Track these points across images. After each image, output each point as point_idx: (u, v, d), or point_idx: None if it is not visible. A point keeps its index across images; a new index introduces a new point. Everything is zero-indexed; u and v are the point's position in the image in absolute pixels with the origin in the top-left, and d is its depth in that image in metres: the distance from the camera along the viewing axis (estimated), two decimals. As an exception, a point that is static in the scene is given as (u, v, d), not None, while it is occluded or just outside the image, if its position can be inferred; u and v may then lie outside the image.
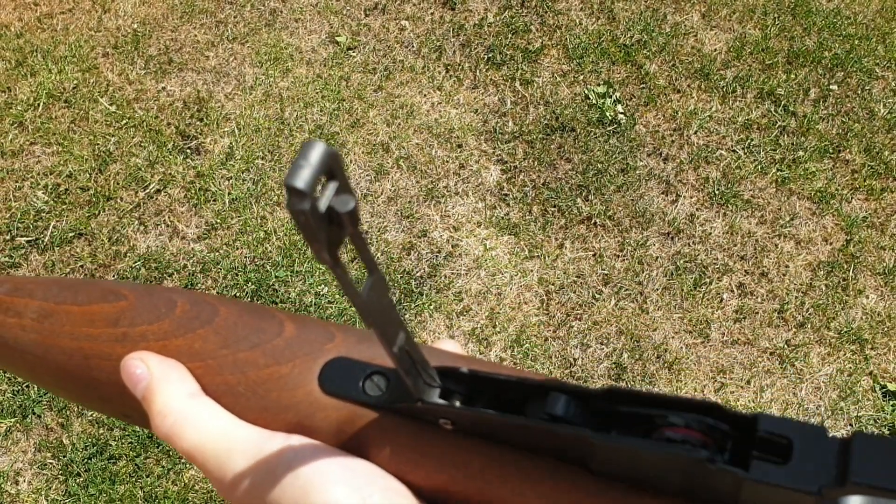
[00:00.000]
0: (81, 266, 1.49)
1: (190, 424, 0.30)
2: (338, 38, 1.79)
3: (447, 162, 1.63)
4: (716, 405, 0.26)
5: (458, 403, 0.29)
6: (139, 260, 1.49)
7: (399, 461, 0.29)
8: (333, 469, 0.28)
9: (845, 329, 1.50)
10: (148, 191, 1.57)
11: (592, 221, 1.58)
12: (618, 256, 1.55)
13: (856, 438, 0.23)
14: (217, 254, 1.50)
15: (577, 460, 0.27)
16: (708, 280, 1.53)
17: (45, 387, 0.37)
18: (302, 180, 0.19)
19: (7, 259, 1.50)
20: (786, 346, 1.47)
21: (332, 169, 0.20)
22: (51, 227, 1.52)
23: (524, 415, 0.28)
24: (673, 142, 1.69)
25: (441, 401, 0.28)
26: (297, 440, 0.29)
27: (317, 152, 0.19)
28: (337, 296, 1.47)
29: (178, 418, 0.30)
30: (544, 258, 1.53)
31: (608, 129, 1.69)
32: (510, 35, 1.81)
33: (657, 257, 1.54)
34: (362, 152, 1.63)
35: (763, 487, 0.24)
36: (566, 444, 0.27)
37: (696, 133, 1.71)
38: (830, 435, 0.24)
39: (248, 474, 0.28)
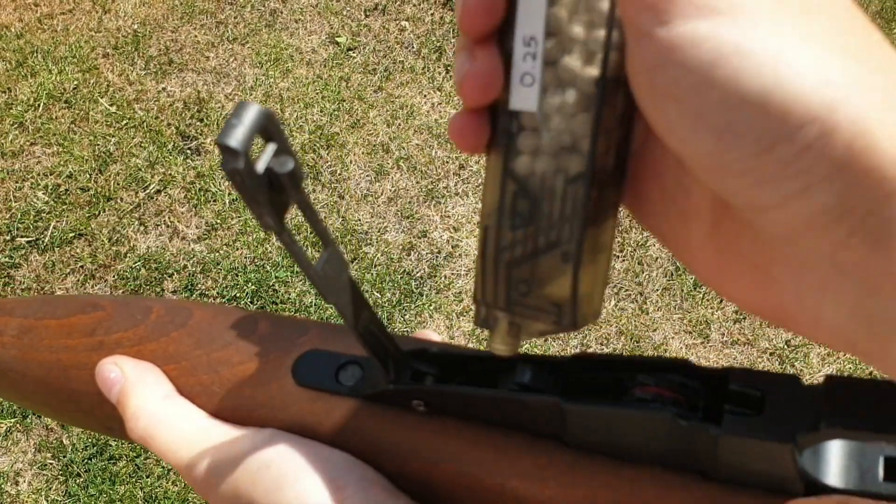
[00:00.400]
0: (81, 266, 1.49)
1: (164, 425, 0.30)
2: (338, 39, 1.79)
3: (447, 162, 1.63)
4: (685, 362, 0.25)
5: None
6: (139, 260, 1.49)
7: (374, 449, 0.29)
8: (307, 460, 0.28)
9: (845, 330, 1.50)
10: (148, 191, 1.57)
11: (592, 222, 1.58)
12: (617, 257, 1.55)
13: (827, 383, 0.23)
14: (217, 254, 1.50)
15: (553, 434, 0.27)
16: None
17: (32, 406, 0.37)
18: (234, 139, 0.19)
19: (7, 259, 1.50)
20: (785, 347, 1.47)
21: (269, 129, 0.20)
22: (51, 228, 1.52)
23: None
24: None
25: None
26: (269, 433, 0.29)
27: (250, 112, 0.19)
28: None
29: (151, 420, 0.30)
30: (544, 259, 1.53)
31: (608, 129, 1.70)
32: (510, 36, 1.81)
33: (657, 258, 1.54)
34: (362, 153, 1.63)
35: (738, 442, 0.23)
36: (539, 416, 0.27)
37: (695, 134, 1.71)
38: (804, 384, 0.24)
39: (223, 471, 0.28)
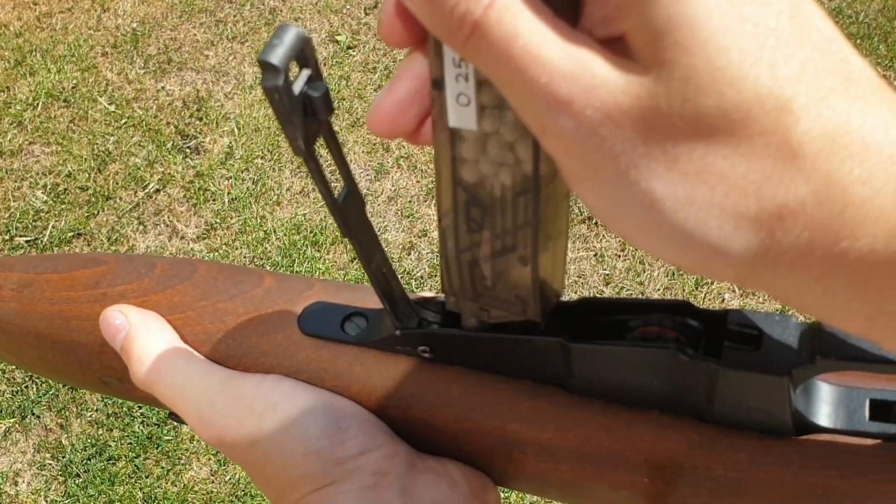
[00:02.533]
0: (80, 266, 1.49)
1: (169, 370, 0.30)
2: (338, 38, 1.78)
3: (447, 161, 1.63)
4: (686, 303, 0.26)
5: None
6: (138, 260, 1.48)
7: (378, 395, 0.29)
8: (311, 403, 0.28)
9: (847, 329, 1.49)
10: (147, 190, 1.57)
11: (594, 221, 1.57)
12: (619, 256, 1.54)
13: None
14: (216, 254, 1.50)
15: (554, 379, 0.28)
16: (709, 280, 1.53)
17: (25, 363, 0.37)
18: (276, 56, 0.20)
19: (6, 259, 1.49)
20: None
21: (306, 54, 0.21)
22: (50, 227, 1.52)
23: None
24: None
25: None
26: (275, 377, 0.29)
27: (290, 34, 0.20)
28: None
29: (156, 365, 0.30)
30: (545, 258, 1.52)
31: (609, 128, 1.69)
32: (511, 34, 1.80)
33: (658, 257, 1.54)
34: (362, 151, 1.63)
35: (736, 377, 0.24)
36: (543, 359, 0.27)
37: (697, 132, 1.70)
38: (799, 322, 0.24)
39: (228, 413, 0.29)
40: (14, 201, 1.55)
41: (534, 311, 0.25)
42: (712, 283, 1.52)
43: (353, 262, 1.48)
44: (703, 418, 0.26)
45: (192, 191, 1.56)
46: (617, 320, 0.27)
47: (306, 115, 0.21)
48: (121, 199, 1.56)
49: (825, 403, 0.25)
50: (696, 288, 1.51)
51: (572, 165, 0.18)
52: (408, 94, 0.21)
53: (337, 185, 0.24)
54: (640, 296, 1.50)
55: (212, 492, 1.28)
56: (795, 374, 0.23)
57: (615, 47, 0.17)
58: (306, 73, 0.21)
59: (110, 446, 1.30)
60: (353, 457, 0.27)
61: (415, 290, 1.47)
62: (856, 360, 0.22)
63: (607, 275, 1.51)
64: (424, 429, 0.29)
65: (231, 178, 1.58)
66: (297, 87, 0.21)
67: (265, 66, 0.20)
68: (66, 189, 1.56)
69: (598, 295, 1.50)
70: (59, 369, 0.35)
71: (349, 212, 0.25)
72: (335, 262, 1.49)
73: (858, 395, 0.25)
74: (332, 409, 0.28)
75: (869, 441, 0.25)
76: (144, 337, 0.31)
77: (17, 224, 1.52)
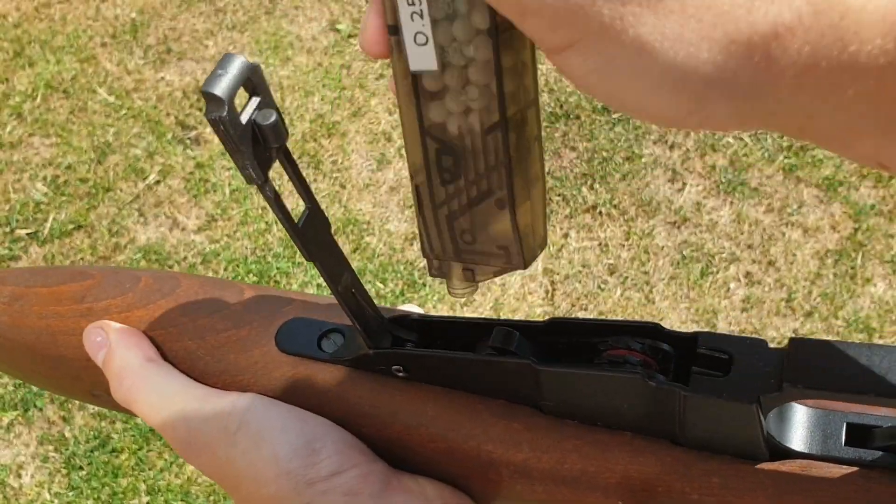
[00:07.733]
0: (81, 258, 1.48)
1: (146, 387, 0.30)
2: (338, 26, 1.76)
3: (450, 151, 1.62)
4: (656, 325, 0.26)
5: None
6: (139, 252, 1.48)
7: (354, 414, 0.29)
8: (284, 422, 0.28)
9: (853, 318, 1.48)
10: (147, 182, 1.56)
11: (598, 210, 1.56)
12: (623, 246, 1.53)
13: (791, 345, 0.23)
14: (218, 245, 1.49)
15: (529, 399, 0.27)
16: (715, 269, 1.52)
17: (22, 374, 0.38)
18: (219, 87, 0.20)
19: (7, 251, 1.49)
20: (794, 336, 1.46)
21: (254, 82, 0.21)
22: (50, 220, 1.51)
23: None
24: (679, 129, 1.67)
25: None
26: (250, 397, 0.29)
27: (235, 64, 0.20)
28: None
29: (134, 381, 0.31)
30: (549, 248, 1.52)
31: (613, 116, 1.67)
32: (513, 21, 1.79)
33: (663, 246, 1.53)
34: (364, 141, 1.62)
35: (705, 403, 0.24)
36: (515, 381, 0.27)
37: (702, 120, 1.68)
38: (770, 346, 0.24)
39: (203, 431, 0.29)
40: (14, 193, 1.55)
41: (518, 260, 0.25)
42: (717, 272, 1.51)
43: (354, 252, 1.47)
44: (677, 441, 0.26)
45: (193, 182, 1.55)
46: (587, 342, 0.27)
47: (257, 143, 0.21)
48: (121, 190, 1.55)
49: (801, 427, 0.25)
50: (702, 277, 1.50)
51: (557, 38, 0.18)
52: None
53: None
54: (644, 285, 1.49)
55: (214, 484, 1.27)
56: (764, 401, 0.23)
57: None
58: (255, 100, 0.21)
59: (113, 438, 1.30)
60: (324, 478, 0.27)
61: (416, 280, 1.47)
62: (824, 389, 0.22)
63: (611, 264, 1.50)
64: (401, 448, 0.29)
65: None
66: (246, 115, 0.21)
67: (208, 98, 0.19)
68: (66, 181, 1.56)
69: (601, 286, 1.49)
70: (53, 381, 0.36)
71: (311, 234, 0.24)
72: (337, 252, 1.49)
73: (835, 418, 0.25)
74: (306, 429, 0.28)
75: (844, 467, 0.24)
76: (124, 354, 0.31)
77: (18, 216, 1.52)
